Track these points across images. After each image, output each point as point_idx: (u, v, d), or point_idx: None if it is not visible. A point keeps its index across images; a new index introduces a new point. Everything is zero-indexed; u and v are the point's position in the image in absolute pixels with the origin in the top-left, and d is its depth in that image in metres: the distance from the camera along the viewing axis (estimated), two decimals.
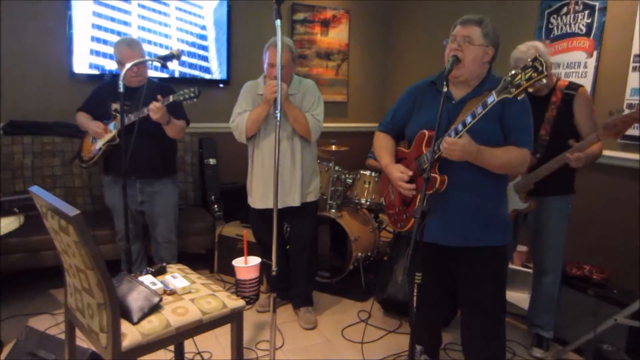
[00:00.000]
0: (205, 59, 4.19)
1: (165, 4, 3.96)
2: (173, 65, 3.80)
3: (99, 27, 3.74)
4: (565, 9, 3.26)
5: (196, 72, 4.17)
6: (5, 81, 3.53)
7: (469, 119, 1.75)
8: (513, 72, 1.64)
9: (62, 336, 2.10)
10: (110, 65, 3.75)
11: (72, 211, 1.47)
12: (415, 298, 1.77)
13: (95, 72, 3.76)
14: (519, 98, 1.66)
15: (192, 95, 2.60)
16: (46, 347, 2.25)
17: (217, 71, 4.23)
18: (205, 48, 4.16)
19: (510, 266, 3.25)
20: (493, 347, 2.05)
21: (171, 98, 2.60)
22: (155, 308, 1.70)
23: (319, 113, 2.81)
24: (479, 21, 1.89)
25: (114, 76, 3.18)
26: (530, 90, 1.63)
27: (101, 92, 2.94)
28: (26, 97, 3.62)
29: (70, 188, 3.60)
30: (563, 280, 2.68)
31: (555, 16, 3.33)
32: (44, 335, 2.34)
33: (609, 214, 3.04)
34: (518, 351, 2.72)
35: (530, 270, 3.05)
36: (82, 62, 3.72)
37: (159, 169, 2.92)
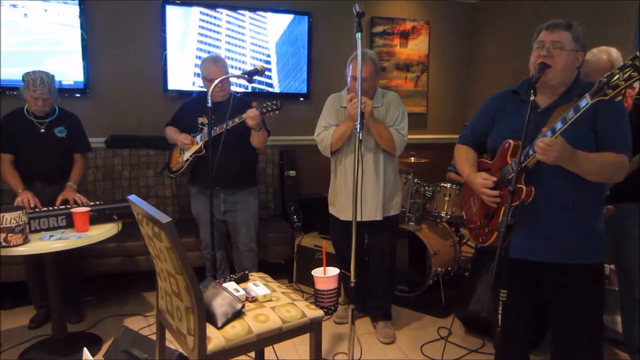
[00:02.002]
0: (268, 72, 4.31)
1: (242, 20, 4.15)
2: (239, 80, 4.01)
3: (195, 46, 4.00)
4: None
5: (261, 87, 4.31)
6: (107, 99, 3.88)
7: (559, 125, 1.65)
8: (609, 72, 1.52)
9: (154, 337, 2.24)
10: (198, 83, 3.99)
11: (164, 218, 1.57)
12: (500, 316, 1.69)
13: (186, 88, 4.02)
14: (616, 99, 1.53)
15: (274, 107, 2.72)
16: (139, 346, 2.41)
17: (277, 86, 4.32)
18: (268, 62, 4.29)
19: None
20: None
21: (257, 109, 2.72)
22: (238, 314, 1.76)
23: (404, 127, 2.78)
24: (568, 25, 1.78)
25: (200, 92, 3.36)
26: (630, 90, 1.49)
27: (188, 107, 3.14)
28: (124, 113, 3.94)
29: (161, 197, 3.85)
30: None
31: None
32: (138, 335, 2.51)
33: None
34: None
35: (614, 288, 2.80)
36: (175, 80, 4.00)
37: (241, 180, 3.04)
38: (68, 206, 2.67)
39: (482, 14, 4.88)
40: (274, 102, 2.72)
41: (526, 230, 1.84)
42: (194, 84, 4.03)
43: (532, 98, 1.70)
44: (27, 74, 2.74)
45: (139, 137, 3.90)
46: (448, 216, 3.56)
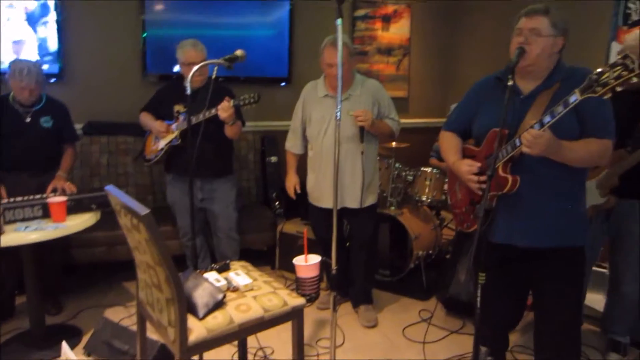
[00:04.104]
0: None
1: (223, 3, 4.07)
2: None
3: (167, 29, 3.91)
4: None
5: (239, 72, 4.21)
6: (83, 84, 3.78)
7: (547, 119, 1.67)
8: (600, 69, 1.53)
9: (135, 327, 2.22)
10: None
11: (143, 210, 1.54)
12: (479, 298, 1.72)
13: (166, 72, 3.93)
14: (604, 98, 1.55)
15: (252, 100, 2.69)
16: (120, 338, 2.40)
17: (258, 70, 4.21)
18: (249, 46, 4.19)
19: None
20: (568, 352, 1.96)
21: (232, 103, 2.68)
22: (219, 304, 1.75)
23: (395, 114, 2.89)
24: (546, 10, 1.79)
25: (176, 78, 3.28)
26: (619, 89, 1.50)
27: (164, 93, 3.08)
28: (102, 99, 3.84)
29: (141, 185, 3.79)
30: None
31: (634, 0, 3.09)
32: (118, 327, 2.49)
33: None
34: (592, 356, 2.57)
35: (604, 271, 2.87)
36: (155, 63, 3.92)
37: (218, 168, 3.03)
38: (44, 195, 2.61)
39: None
40: (252, 95, 2.69)
41: (511, 216, 1.87)
42: (174, 67, 3.94)
43: (510, 83, 1.71)
44: (14, 62, 2.67)
45: (117, 123, 3.82)
46: (429, 200, 3.59)
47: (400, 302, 3.27)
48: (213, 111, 2.70)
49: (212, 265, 2.07)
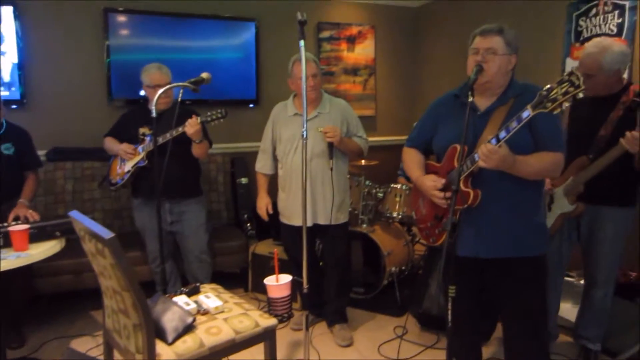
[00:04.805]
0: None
1: (188, 27, 4.09)
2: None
3: (132, 54, 3.89)
4: (594, 11, 3.18)
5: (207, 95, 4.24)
6: (47, 110, 3.71)
7: (503, 134, 1.73)
8: (549, 86, 1.61)
9: (102, 357, 2.15)
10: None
11: (107, 234, 1.52)
12: (450, 312, 1.74)
13: (132, 97, 3.90)
14: (554, 112, 1.62)
15: (219, 115, 2.68)
16: None
17: (226, 93, 4.24)
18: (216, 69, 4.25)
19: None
20: (536, 357, 1.99)
21: (199, 119, 2.68)
22: (189, 328, 1.72)
23: (363, 132, 2.95)
24: (500, 30, 1.87)
25: (141, 102, 3.27)
26: (567, 104, 1.59)
27: (129, 117, 3.05)
28: (66, 124, 3.78)
29: (108, 211, 3.72)
30: None
31: (584, 18, 3.25)
32: (85, 357, 2.41)
33: None
34: None
35: (573, 280, 2.94)
36: (121, 88, 3.89)
37: (186, 190, 3.00)
38: (5, 224, 2.53)
39: (425, 17, 5.02)
40: (219, 110, 2.69)
41: (474, 229, 1.91)
42: (140, 91, 3.92)
43: (470, 99, 1.77)
44: None
45: (83, 149, 3.75)
46: (400, 216, 3.62)
47: (375, 320, 3.26)
48: (180, 129, 2.69)
49: (182, 289, 2.03)
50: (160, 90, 2.49)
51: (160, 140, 2.70)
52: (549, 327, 2.49)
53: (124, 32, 3.88)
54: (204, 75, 2.59)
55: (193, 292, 2.02)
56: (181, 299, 1.89)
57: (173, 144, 2.67)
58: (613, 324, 2.57)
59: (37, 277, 3.07)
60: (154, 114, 2.43)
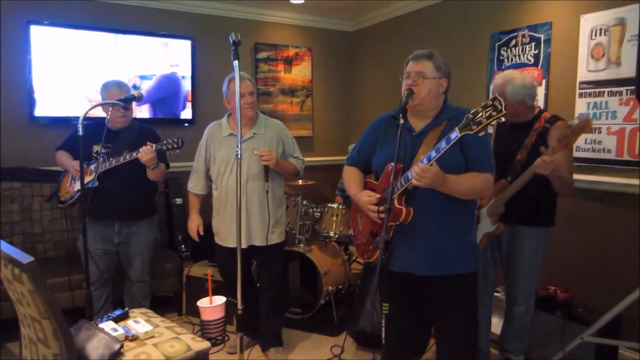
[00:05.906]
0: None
1: (122, 43, 3.99)
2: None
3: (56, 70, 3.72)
4: (513, 42, 3.43)
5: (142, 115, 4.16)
6: None
7: (433, 154, 1.81)
8: (475, 109, 1.71)
9: None
10: (72, 110, 3.71)
11: (25, 259, 1.43)
12: (384, 329, 1.77)
13: (58, 115, 3.71)
14: (479, 135, 1.72)
15: (175, 145, 2.64)
16: None
17: (160, 111, 4.20)
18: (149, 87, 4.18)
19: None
20: None
21: (154, 147, 2.62)
22: (116, 355, 1.64)
23: (299, 153, 2.97)
24: (430, 55, 1.97)
25: (95, 118, 3.14)
26: (491, 127, 1.71)
27: (84, 132, 2.90)
28: None
29: (29, 235, 3.48)
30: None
31: (505, 48, 3.49)
32: None
33: (569, 232, 3.10)
34: None
35: (499, 295, 3.07)
36: (45, 106, 3.68)
37: (139, 211, 2.90)
38: None
39: (358, 41, 5.18)
40: (175, 140, 2.64)
41: (408, 246, 1.97)
42: (68, 109, 3.74)
43: (401, 121, 1.84)
44: None
45: (1, 169, 3.51)
46: (337, 235, 3.66)
47: (312, 339, 3.25)
48: (134, 154, 2.61)
49: (109, 314, 1.94)
50: (89, 108, 2.40)
51: (114, 163, 2.65)
52: (480, 344, 2.59)
53: (49, 45, 3.68)
54: (135, 93, 2.55)
55: (121, 318, 1.93)
56: (108, 325, 1.80)
57: (128, 165, 2.59)
58: (536, 336, 2.71)
59: None
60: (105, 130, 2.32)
